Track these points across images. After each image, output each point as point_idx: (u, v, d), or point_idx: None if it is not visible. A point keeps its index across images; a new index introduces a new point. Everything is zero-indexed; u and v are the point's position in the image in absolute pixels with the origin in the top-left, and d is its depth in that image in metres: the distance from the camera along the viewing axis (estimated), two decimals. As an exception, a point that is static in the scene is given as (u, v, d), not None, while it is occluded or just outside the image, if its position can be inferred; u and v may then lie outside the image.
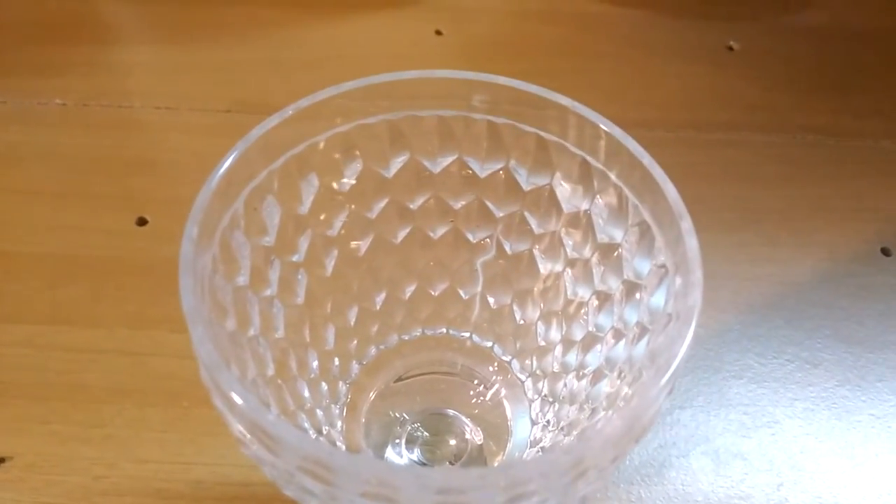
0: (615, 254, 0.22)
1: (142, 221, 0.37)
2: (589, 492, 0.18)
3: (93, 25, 0.47)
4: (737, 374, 0.32)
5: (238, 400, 0.15)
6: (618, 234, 0.21)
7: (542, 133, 0.22)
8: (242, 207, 0.20)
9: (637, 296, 0.21)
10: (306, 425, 0.22)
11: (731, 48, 0.47)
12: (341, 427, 0.24)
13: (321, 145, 0.21)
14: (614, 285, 0.22)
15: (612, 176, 0.20)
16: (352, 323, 0.25)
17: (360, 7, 0.48)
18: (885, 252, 0.37)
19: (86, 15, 0.48)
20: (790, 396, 0.32)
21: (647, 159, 0.19)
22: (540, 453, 0.23)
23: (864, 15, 0.49)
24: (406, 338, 0.26)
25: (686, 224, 0.18)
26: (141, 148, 0.40)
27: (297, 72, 0.44)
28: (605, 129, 0.20)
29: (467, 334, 0.26)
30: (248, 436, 0.16)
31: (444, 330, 0.26)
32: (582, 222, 0.22)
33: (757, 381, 0.32)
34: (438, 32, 0.47)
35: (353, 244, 0.23)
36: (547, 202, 0.23)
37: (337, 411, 0.24)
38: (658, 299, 0.19)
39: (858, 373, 0.32)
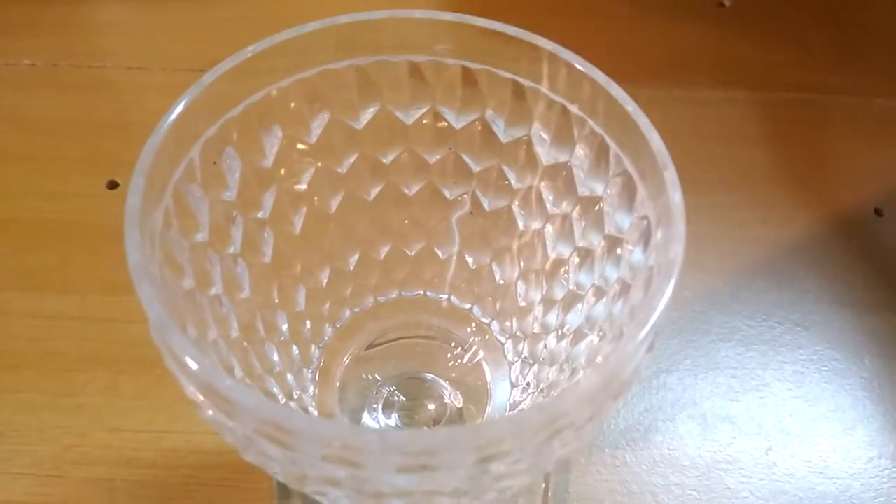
0: (596, 207, 0.20)
1: (113, 185, 0.36)
2: (566, 453, 0.17)
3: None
4: (725, 337, 0.31)
5: (191, 363, 0.14)
6: (599, 187, 0.20)
7: (519, 79, 0.21)
8: (199, 158, 0.18)
9: (618, 251, 0.20)
10: (275, 390, 0.21)
11: (722, 4, 0.45)
12: (313, 392, 0.23)
13: (283, 92, 0.20)
14: (595, 241, 0.21)
15: (594, 124, 0.19)
16: (324, 284, 0.24)
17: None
18: (878, 212, 0.36)
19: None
20: (779, 359, 0.31)
21: (631, 106, 0.18)
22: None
23: (861, -31, 0.48)
24: (382, 300, 0.25)
25: (670, 174, 0.17)
26: (112, 109, 0.39)
27: (273, 29, 0.43)
28: (587, 73, 0.19)
29: (445, 296, 0.25)
30: (203, 398, 0.15)
31: (422, 292, 0.25)
32: (562, 175, 0.21)
33: (746, 344, 0.31)
34: (420, -10, 0.45)
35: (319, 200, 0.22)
36: (525, 155, 0.22)
37: (309, 375, 0.23)
38: (639, 254, 0.18)
39: (849, 335, 0.32)
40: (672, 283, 0.16)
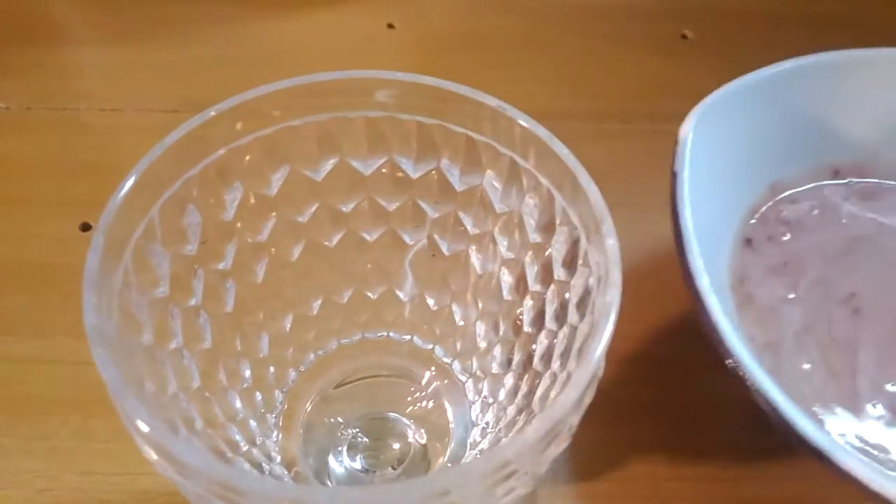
0: (546, 253, 0.21)
1: (86, 227, 0.36)
2: (514, 497, 0.18)
3: (38, 26, 0.46)
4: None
5: (142, 426, 0.15)
6: (547, 235, 0.21)
7: (470, 133, 0.21)
8: (158, 217, 0.19)
9: (566, 295, 0.20)
10: (237, 437, 0.21)
11: (685, 37, 0.46)
12: (277, 437, 0.23)
13: (243, 150, 0.21)
14: (545, 286, 0.21)
15: (539, 176, 0.20)
16: (287, 329, 0.24)
17: (310, 1, 0.47)
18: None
19: (30, 15, 0.47)
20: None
21: (571, 162, 0.19)
22: (478, 456, 0.22)
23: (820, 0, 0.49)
24: (345, 342, 0.26)
25: (606, 226, 0.17)
26: (86, 152, 0.39)
27: (247, 69, 0.43)
28: (530, 129, 0.20)
29: (407, 337, 0.26)
30: (157, 458, 0.16)
31: (385, 333, 0.26)
32: (514, 222, 0.22)
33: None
34: (391, 26, 0.46)
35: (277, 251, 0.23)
36: (480, 202, 0.23)
37: (273, 421, 0.23)
38: (582, 300, 0.19)
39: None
40: (608, 326, 0.16)
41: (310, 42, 0.45)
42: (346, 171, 0.23)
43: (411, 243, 0.24)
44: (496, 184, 0.22)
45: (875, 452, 0.26)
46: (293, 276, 0.24)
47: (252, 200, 0.22)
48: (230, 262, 0.22)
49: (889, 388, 0.28)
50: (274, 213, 0.22)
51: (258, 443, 0.22)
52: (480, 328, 0.25)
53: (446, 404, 0.25)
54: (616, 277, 0.17)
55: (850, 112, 0.33)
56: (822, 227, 0.34)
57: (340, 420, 0.25)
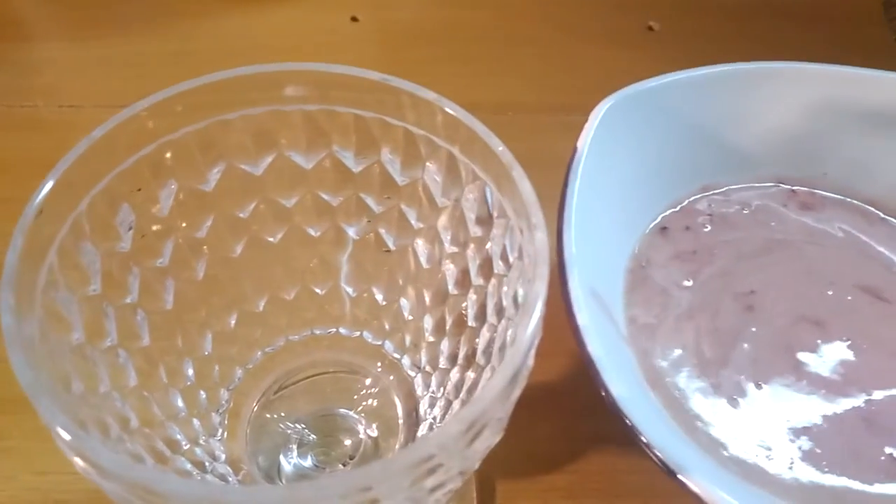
0: (486, 247, 0.21)
1: (42, 225, 0.36)
2: (443, 491, 0.17)
3: (-4, 22, 0.45)
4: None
5: (63, 434, 0.15)
6: (486, 229, 0.21)
7: (408, 126, 0.21)
8: (87, 213, 0.19)
9: (505, 289, 0.20)
10: (178, 436, 0.21)
11: (651, 28, 0.46)
12: (222, 435, 0.23)
13: (175, 144, 0.20)
14: (487, 280, 0.21)
15: (476, 169, 0.20)
16: (232, 326, 0.24)
17: (273, -5, 0.47)
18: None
19: (-12, 11, 0.46)
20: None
21: (507, 157, 0.19)
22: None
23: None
24: (294, 339, 0.26)
25: (536, 218, 0.17)
26: (45, 149, 0.39)
27: (208, 64, 0.43)
28: (465, 122, 0.20)
29: (357, 333, 0.26)
30: (77, 460, 0.15)
31: (334, 329, 0.26)
32: (456, 216, 0.22)
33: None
34: (354, 19, 0.46)
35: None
36: (422, 195, 0.22)
37: (217, 419, 0.23)
38: (519, 291, 0.19)
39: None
40: (534, 319, 0.16)
41: (272, 36, 0.45)
42: (287, 166, 0.22)
43: (357, 238, 0.24)
44: (437, 177, 0.22)
45: (714, 447, 0.26)
46: (236, 272, 0.23)
47: (188, 196, 0.21)
48: (168, 258, 0.21)
49: (752, 387, 0.28)
50: (212, 209, 0.22)
51: (201, 442, 0.22)
52: (429, 322, 0.24)
53: (396, 399, 0.25)
54: (543, 271, 0.16)
55: (796, 122, 0.33)
56: (747, 225, 0.34)
57: (289, 418, 0.24)
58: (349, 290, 0.25)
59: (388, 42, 0.45)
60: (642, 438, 0.22)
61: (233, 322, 0.24)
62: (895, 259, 0.32)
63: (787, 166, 0.35)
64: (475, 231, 0.21)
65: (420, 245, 0.23)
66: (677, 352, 0.29)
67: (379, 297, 0.25)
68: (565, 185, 0.27)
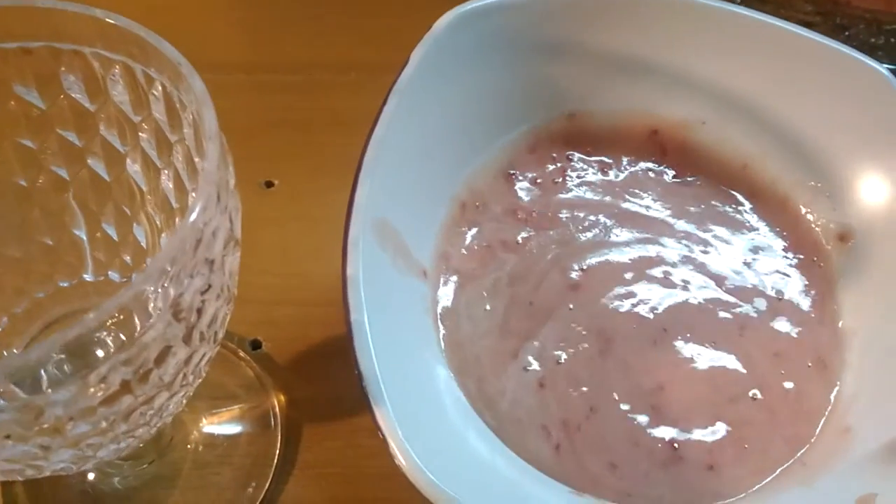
0: (185, 150, 0.22)
1: None
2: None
3: None
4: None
5: None
6: (177, 132, 0.22)
7: (81, 48, 0.21)
8: None
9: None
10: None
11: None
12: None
13: None
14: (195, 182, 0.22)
15: (144, 70, 0.21)
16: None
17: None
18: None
19: None
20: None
21: (169, 49, 0.20)
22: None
23: None
24: (40, 296, 0.25)
25: (186, 69, 0.19)
26: None
27: None
28: (133, 30, 0.20)
29: (101, 277, 0.26)
30: None
31: (79, 278, 0.26)
32: (153, 127, 0.23)
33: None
34: None
35: None
36: (116, 116, 0.23)
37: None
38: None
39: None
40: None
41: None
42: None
43: (69, 178, 0.24)
44: (121, 92, 0.22)
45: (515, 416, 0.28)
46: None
47: None
48: None
49: (551, 363, 0.29)
50: None
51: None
52: (164, 242, 0.25)
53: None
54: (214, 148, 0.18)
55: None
56: (605, 191, 0.33)
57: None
58: (79, 234, 0.25)
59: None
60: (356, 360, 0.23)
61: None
62: (750, 249, 0.33)
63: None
64: (172, 136, 0.22)
65: (133, 167, 0.24)
66: (484, 308, 0.30)
67: (111, 232, 0.25)
68: (380, 108, 0.28)
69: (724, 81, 0.33)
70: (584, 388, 0.29)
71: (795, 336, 0.31)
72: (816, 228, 0.33)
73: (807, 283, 0.32)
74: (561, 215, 0.33)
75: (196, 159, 0.22)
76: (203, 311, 0.19)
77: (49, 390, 0.17)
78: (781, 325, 0.31)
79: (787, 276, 0.33)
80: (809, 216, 0.33)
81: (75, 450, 0.19)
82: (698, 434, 0.28)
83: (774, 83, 0.33)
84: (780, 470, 0.27)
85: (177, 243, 0.17)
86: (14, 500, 0.29)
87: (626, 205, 0.34)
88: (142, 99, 0.22)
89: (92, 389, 0.18)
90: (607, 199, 0.34)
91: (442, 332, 0.30)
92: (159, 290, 0.17)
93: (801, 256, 0.33)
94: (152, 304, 0.18)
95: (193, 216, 0.18)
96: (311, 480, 0.30)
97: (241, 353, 0.32)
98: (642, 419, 0.28)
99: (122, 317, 0.17)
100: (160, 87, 0.21)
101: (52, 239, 0.25)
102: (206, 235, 0.18)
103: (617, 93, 0.34)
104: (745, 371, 0.30)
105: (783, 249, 0.33)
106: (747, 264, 0.33)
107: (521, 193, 0.33)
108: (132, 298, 0.16)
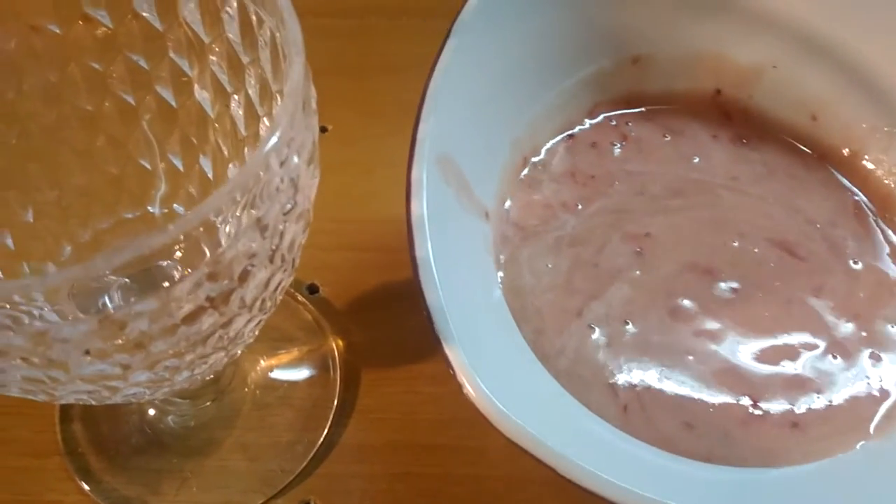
0: (258, 72, 0.21)
1: None
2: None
3: None
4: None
5: None
6: (252, 52, 0.21)
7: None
8: None
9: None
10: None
11: None
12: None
13: None
14: (270, 108, 0.22)
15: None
16: (31, 221, 0.23)
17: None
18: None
19: None
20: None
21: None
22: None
23: None
24: (104, 227, 0.25)
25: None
26: None
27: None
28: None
29: (166, 210, 0.25)
30: None
31: (140, 211, 0.25)
32: (224, 50, 0.22)
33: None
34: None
35: None
36: (186, 38, 0.22)
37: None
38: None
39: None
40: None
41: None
42: (41, 37, 0.22)
43: (136, 104, 0.24)
44: (193, 11, 0.21)
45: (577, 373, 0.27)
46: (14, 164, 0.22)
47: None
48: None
49: (618, 324, 0.28)
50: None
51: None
52: (232, 174, 0.24)
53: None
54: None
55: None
56: (663, 159, 0.32)
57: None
58: (145, 164, 0.25)
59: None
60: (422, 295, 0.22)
61: (30, 217, 0.23)
62: (821, 213, 0.31)
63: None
64: (245, 59, 0.21)
65: (199, 92, 0.23)
66: (546, 265, 0.29)
67: (177, 162, 0.25)
68: (442, 43, 0.27)
69: (802, 17, 0.32)
70: (656, 352, 0.28)
71: (872, 296, 0.30)
72: (889, 183, 0.32)
73: (882, 242, 0.31)
74: (619, 182, 0.32)
75: (271, 82, 0.21)
76: (285, 232, 0.19)
77: (133, 299, 0.16)
78: (859, 286, 0.30)
79: (860, 238, 0.31)
80: (880, 171, 0.32)
81: (152, 372, 0.19)
82: (779, 391, 0.27)
83: (856, 20, 0.31)
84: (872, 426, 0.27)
85: (261, 158, 0.16)
86: (72, 437, 0.29)
87: (686, 170, 0.33)
88: (214, 18, 0.21)
89: (174, 304, 0.17)
90: (668, 165, 0.33)
91: (500, 275, 0.29)
92: (241, 205, 0.17)
93: (875, 215, 0.32)
94: (229, 225, 0.17)
95: (279, 130, 0.17)
96: (370, 424, 0.30)
97: (300, 297, 0.32)
98: (720, 379, 0.27)
99: (202, 230, 0.16)
100: (234, 4, 0.21)
101: (116, 168, 0.25)
102: (290, 152, 0.18)
103: (685, 33, 0.33)
104: (823, 331, 0.29)
105: (854, 209, 0.32)
106: (819, 227, 0.31)
107: (580, 158, 0.32)
108: (214, 210, 0.16)
